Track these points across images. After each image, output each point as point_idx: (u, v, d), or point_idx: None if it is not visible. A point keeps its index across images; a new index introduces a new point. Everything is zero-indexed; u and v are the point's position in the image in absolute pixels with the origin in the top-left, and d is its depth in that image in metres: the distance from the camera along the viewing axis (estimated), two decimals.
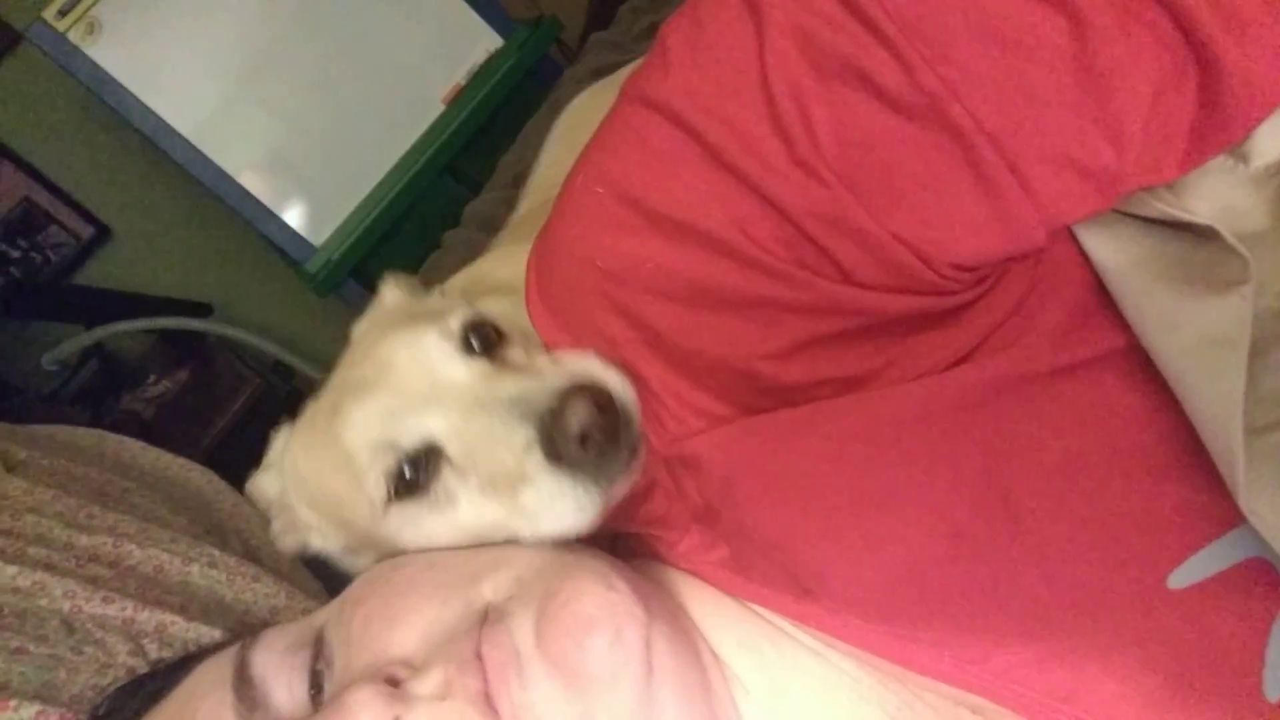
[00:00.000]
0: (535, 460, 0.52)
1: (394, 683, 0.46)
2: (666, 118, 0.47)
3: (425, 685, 0.45)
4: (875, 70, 0.41)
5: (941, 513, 0.47)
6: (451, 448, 0.55)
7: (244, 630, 0.93)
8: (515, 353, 0.61)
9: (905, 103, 0.41)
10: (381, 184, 2.32)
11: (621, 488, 0.55)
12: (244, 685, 0.51)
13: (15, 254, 2.46)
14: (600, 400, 0.52)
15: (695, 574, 0.59)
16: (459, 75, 2.31)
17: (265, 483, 0.70)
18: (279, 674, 0.51)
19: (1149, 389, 0.46)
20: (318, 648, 0.51)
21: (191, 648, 0.90)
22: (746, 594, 0.56)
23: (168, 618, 0.91)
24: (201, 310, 2.38)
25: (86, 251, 2.54)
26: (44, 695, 0.74)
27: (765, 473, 0.50)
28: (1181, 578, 0.44)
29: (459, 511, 0.56)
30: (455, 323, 0.60)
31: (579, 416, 0.52)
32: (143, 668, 0.84)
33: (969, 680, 0.48)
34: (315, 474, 0.62)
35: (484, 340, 0.60)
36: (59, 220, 2.49)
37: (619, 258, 0.51)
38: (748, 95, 0.44)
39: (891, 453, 0.48)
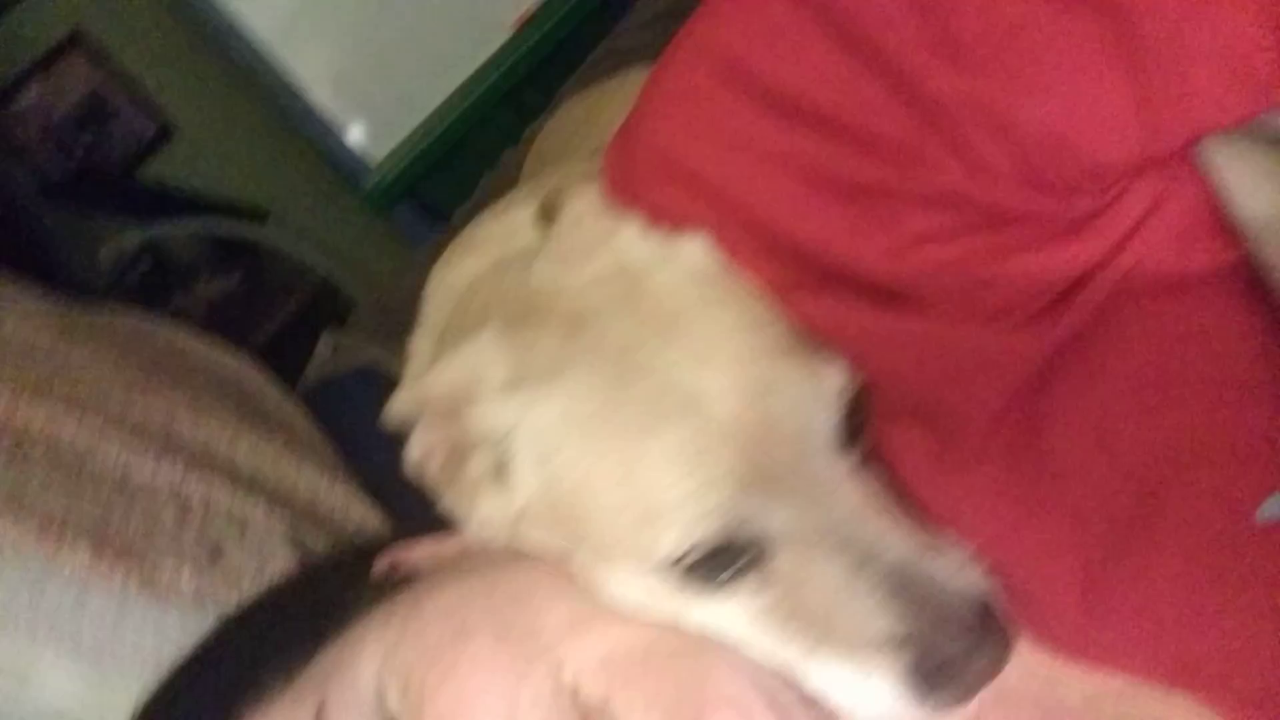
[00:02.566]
0: (887, 665, 0.44)
1: None
2: None
3: None
4: None
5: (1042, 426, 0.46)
6: (782, 561, 0.46)
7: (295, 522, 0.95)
8: (868, 440, 0.50)
9: None
10: (442, 107, 2.32)
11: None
12: None
13: (79, 145, 2.49)
14: (1003, 641, 0.44)
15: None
16: (529, 2, 2.29)
17: (484, 407, 0.53)
18: None
19: (1256, 310, 0.45)
20: None
21: (235, 525, 0.92)
22: None
23: (215, 487, 0.93)
24: (257, 215, 2.40)
25: (149, 149, 2.56)
26: (97, 540, 0.77)
27: None
28: (1272, 510, 0.43)
29: (724, 615, 0.48)
30: (842, 384, 0.49)
31: (979, 669, 0.44)
32: (189, 534, 0.87)
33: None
34: (590, 460, 0.50)
35: (856, 421, 0.49)
36: (125, 114, 2.52)
37: (723, 138, 0.50)
38: None
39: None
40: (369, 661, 0.50)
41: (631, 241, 0.53)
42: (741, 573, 0.47)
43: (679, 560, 0.46)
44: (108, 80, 2.49)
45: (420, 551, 0.63)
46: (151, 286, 2.33)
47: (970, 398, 0.47)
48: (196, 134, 2.61)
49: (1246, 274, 0.45)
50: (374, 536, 0.84)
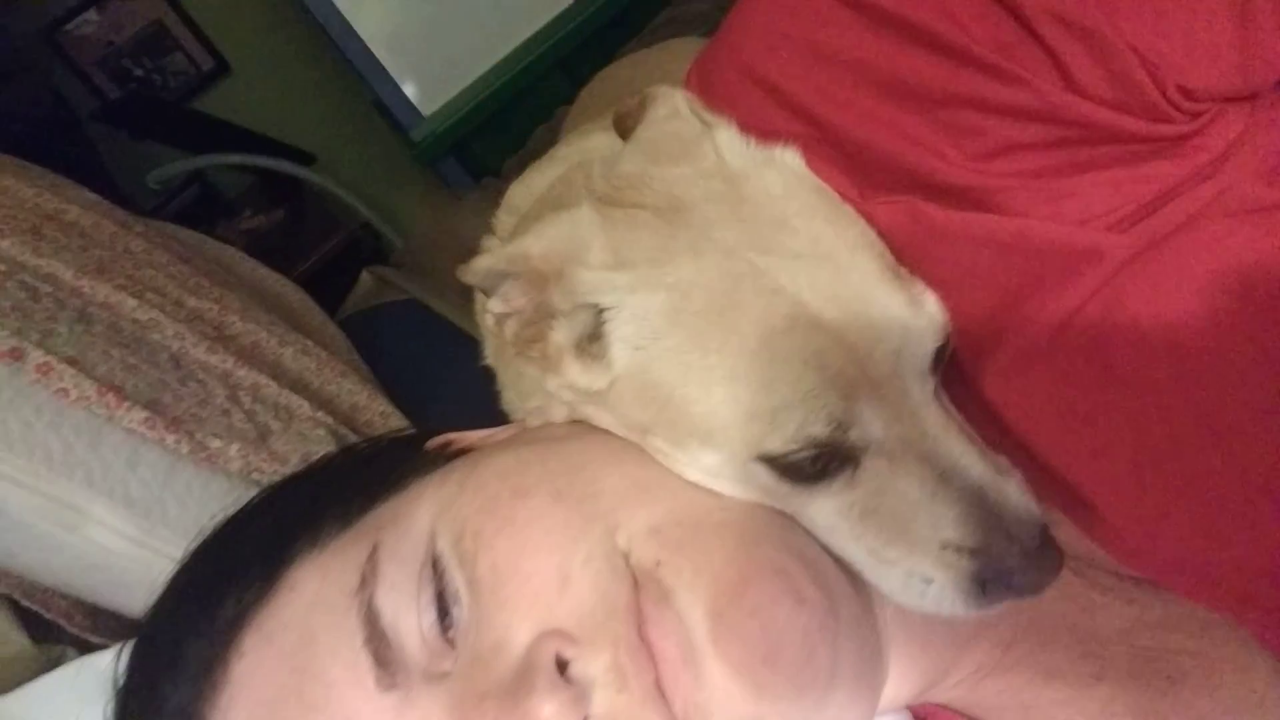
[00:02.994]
0: (950, 563, 0.47)
1: (561, 664, 0.43)
2: None
3: (595, 666, 0.43)
4: None
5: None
6: (869, 466, 0.48)
7: (340, 435, 0.96)
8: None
9: None
10: (497, 66, 2.34)
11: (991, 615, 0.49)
12: (382, 645, 0.46)
13: (138, 72, 2.53)
14: (1052, 562, 0.46)
15: None
16: None
17: (585, 278, 0.52)
18: (408, 615, 0.47)
19: None
20: (438, 576, 0.48)
21: (282, 412, 0.94)
22: None
23: (263, 379, 0.95)
24: (305, 158, 2.43)
25: (204, 83, 2.60)
26: (153, 407, 0.79)
27: None
28: None
29: (814, 509, 0.50)
30: (942, 319, 0.50)
31: (1031, 582, 0.46)
32: (238, 414, 0.89)
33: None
34: (701, 345, 0.50)
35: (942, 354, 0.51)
36: (184, 48, 2.56)
37: (811, 47, 0.51)
38: None
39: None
40: (425, 513, 0.51)
41: (729, 140, 0.54)
42: (833, 472, 0.49)
43: (782, 456, 0.48)
44: (171, 12, 2.53)
45: (474, 435, 0.64)
46: (196, 215, 2.37)
47: (1044, 293, 0.48)
48: (252, 74, 2.65)
49: None
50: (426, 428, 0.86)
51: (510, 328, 0.56)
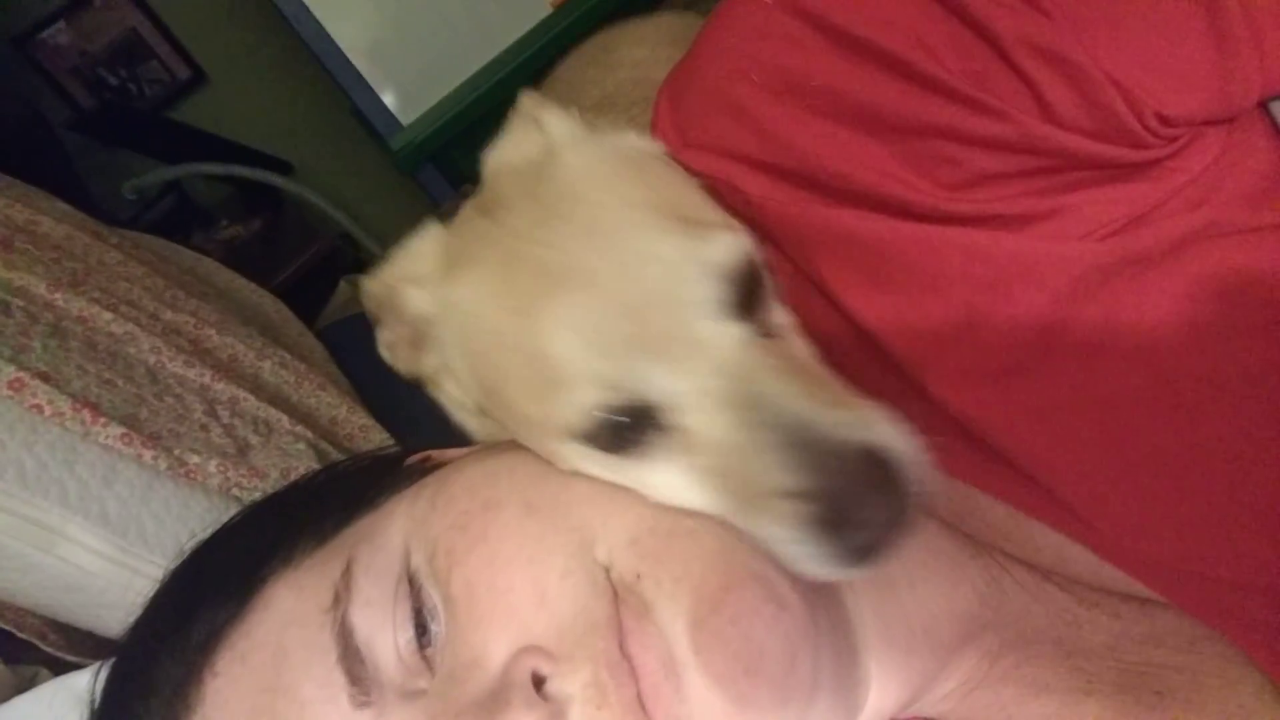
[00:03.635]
0: (796, 512, 0.43)
1: (538, 680, 0.42)
2: None
3: (574, 684, 0.42)
4: None
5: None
6: (689, 423, 0.46)
7: (318, 440, 0.96)
8: (775, 316, 0.51)
9: None
10: (477, 75, 2.33)
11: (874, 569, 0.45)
12: (355, 663, 0.45)
13: (113, 81, 2.51)
14: (898, 489, 0.43)
15: None
16: None
17: (412, 297, 0.54)
18: (383, 632, 0.46)
19: None
20: (415, 592, 0.47)
21: (261, 426, 0.93)
22: None
23: (241, 393, 0.94)
24: (282, 167, 2.41)
25: (180, 92, 2.58)
26: (129, 423, 0.78)
27: None
28: None
29: (655, 481, 0.48)
30: (725, 256, 0.48)
31: (875, 517, 0.43)
32: (216, 429, 0.88)
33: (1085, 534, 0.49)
34: (496, 339, 0.50)
35: (749, 294, 0.49)
36: (160, 56, 2.53)
37: (780, 72, 0.50)
38: None
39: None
40: (398, 529, 0.50)
41: (555, 124, 0.54)
42: (656, 439, 0.47)
43: (591, 430, 0.46)
44: (147, 21, 2.51)
45: (454, 452, 0.64)
46: (172, 225, 2.34)
47: (1014, 300, 0.48)
48: (230, 83, 2.63)
49: None
50: (405, 445, 0.85)
51: (399, 357, 0.56)
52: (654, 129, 0.59)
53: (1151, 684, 0.49)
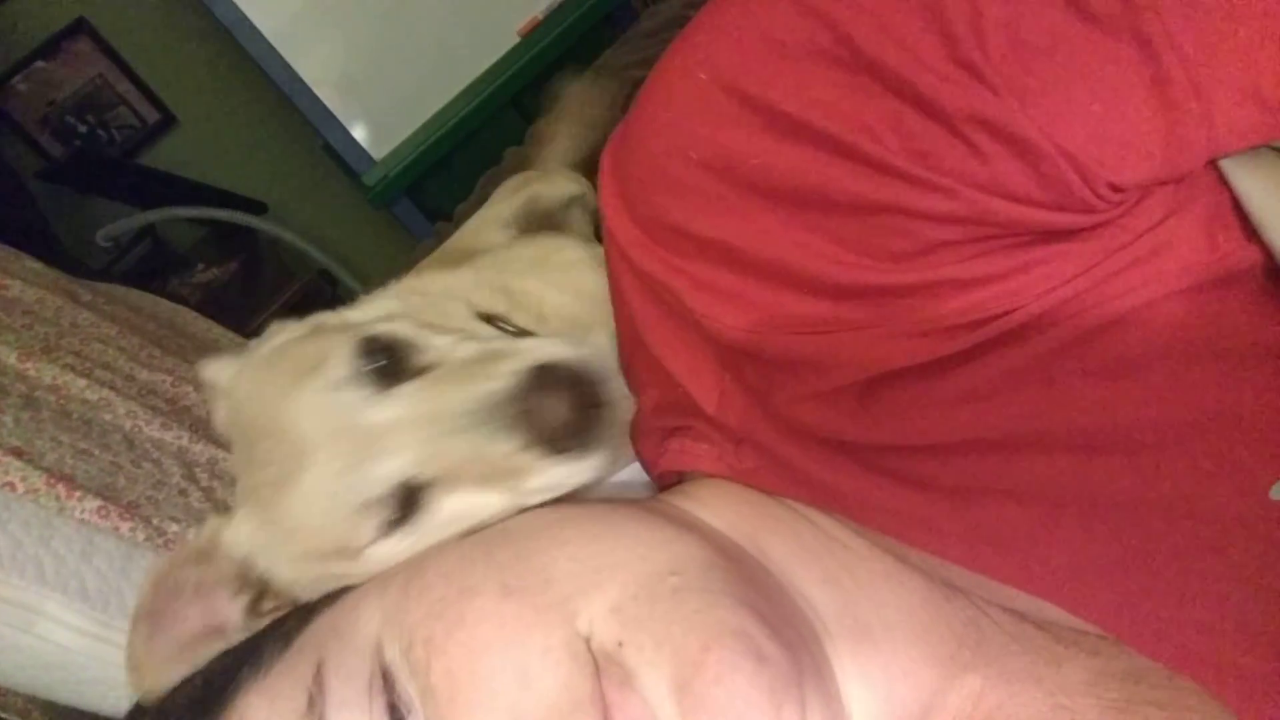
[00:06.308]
0: (530, 457, 0.52)
1: None
2: (795, 4, 0.44)
3: None
4: None
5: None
6: (428, 473, 0.54)
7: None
8: (438, 343, 0.58)
9: (1094, 7, 0.40)
10: (448, 107, 2.34)
11: (621, 442, 0.55)
12: None
13: (82, 128, 2.49)
14: (568, 379, 0.52)
15: (748, 484, 0.58)
16: (538, 9, 2.32)
17: (230, 544, 0.61)
18: None
19: (1273, 309, 0.45)
20: (389, 687, 0.47)
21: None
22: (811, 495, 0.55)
23: (220, 453, 0.93)
24: (256, 208, 2.41)
25: (150, 137, 2.57)
26: (105, 494, 0.77)
27: None
28: None
29: (455, 516, 0.55)
30: (341, 367, 0.55)
31: (557, 412, 0.51)
32: (195, 493, 0.87)
33: (1038, 584, 0.49)
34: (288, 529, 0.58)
35: (393, 357, 0.56)
36: (128, 102, 2.53)
37: (717, 151, 0.49)
38: None
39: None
40: (368, 622, 0.50)
41: (219, 378, 0.65)
42: (420, 501, 0.55)
43: (379, 537, 0.55)
44: (113, 67, 2.50)
45: None
46: (148, 271, 2.33)
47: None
48: (199, 125, 2.62)
49: (1272, 271, 0.45)
50: None
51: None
52: (600, 200, 0.58)
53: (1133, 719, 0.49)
